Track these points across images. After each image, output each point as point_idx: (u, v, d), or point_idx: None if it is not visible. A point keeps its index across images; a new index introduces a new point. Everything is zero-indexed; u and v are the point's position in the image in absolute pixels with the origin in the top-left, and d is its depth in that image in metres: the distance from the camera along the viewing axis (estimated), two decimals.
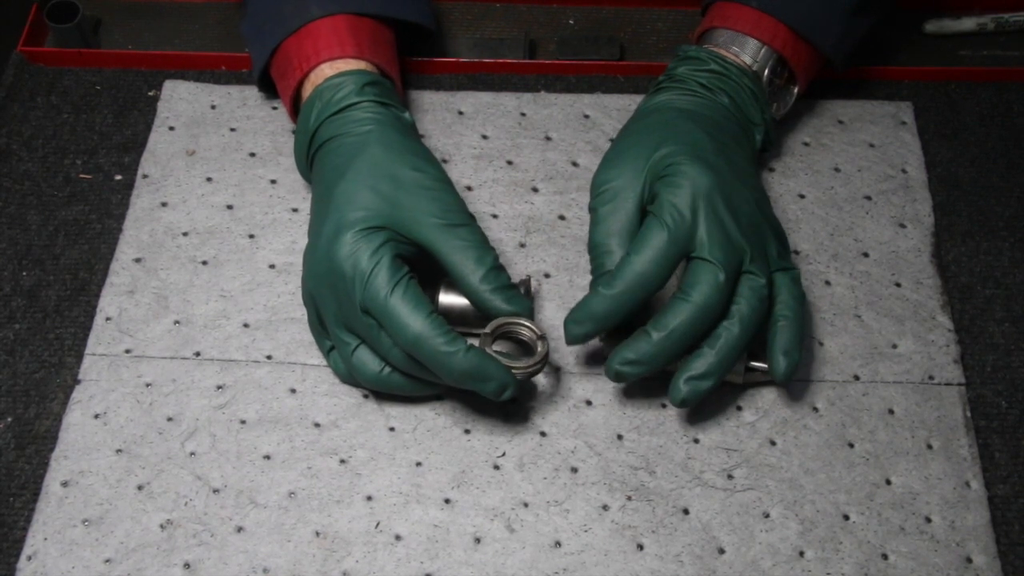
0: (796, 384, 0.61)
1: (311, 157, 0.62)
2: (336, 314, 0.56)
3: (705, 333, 0.56)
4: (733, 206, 0.56)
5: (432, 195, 0.57)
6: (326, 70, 0.62)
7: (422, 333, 0.52)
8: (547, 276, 0.65)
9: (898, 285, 0.65)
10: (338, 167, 0.58)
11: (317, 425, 0.59)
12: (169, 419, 0.59)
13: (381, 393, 0.60)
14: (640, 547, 0.56)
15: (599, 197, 0.59)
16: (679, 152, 0.58)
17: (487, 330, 0.56)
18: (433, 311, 0.53)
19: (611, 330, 0.57)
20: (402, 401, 0.60)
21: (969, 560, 0.56)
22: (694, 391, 0.55)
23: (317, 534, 0.56)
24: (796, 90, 0.67)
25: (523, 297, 0.57)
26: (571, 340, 0.57)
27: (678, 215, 0.55)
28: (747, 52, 0.64)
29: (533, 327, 0.56)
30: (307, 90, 0.63)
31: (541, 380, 0.61)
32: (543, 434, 0.59)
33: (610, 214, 0.58)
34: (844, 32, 0.66)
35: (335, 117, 0.60)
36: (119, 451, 0.58)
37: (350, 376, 0.59)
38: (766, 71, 0.64)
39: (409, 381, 0.57)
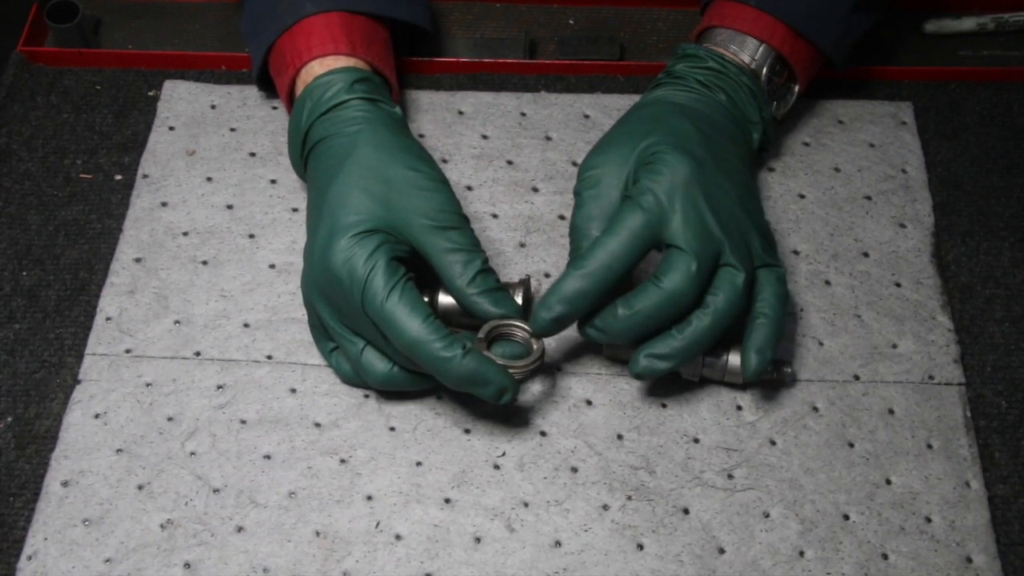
0: (796, 384, 0.61)
1: (305, 157, 0.62)
2: (339, 318, 0.56)
3: (675, 319, 0.56)
4: (713, 198, 0.56)
5: (424, 196, 0.57)
6: (316, 68, 0.62)
7: (419, 338, 0.52)
8: (547, 276, 0.65)
9: (898, 285, 0.65)
10: (329, 170, 0.58)
11: (317, 425, 0.59)
12: (169, 419, 0.59)
13: (381, 393, 0.60)
14: (640, 547, 0.56)
15: (583, 182, 0.60)
16: (664, 142, 0.58)
17: (480, 335, 0.56)
18: (430, 315, 0.53)
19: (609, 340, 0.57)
20: (402, 401, 0.60)
21: (969, 560, 0.56)
22: (650, 368, 0.56)
23: (317, 534, 0.56)
24: (796, 89, 0.67)
25: (511, 299, 0.57)
26: (540, 327, 0.55)
27: (654, 200, 0.55)
28: (746, 51, 0.64)
29: (525, 327, 0.57)
30: (298, 88, 0.63)
31: (541, 380, 0.61)
32: (543, 434, 0.59)
33: (592, 199, 0.59)
34: (843, 30, 0.66)
35: (325, 117, 0.60)
36: (119, 451, 0.58)
37: (352, 376, 0.59)
38: (764, 69, 0.64)
39: (417, 377, 0.57)
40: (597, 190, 0.59)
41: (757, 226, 0.58)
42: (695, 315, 0.56)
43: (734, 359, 0.58)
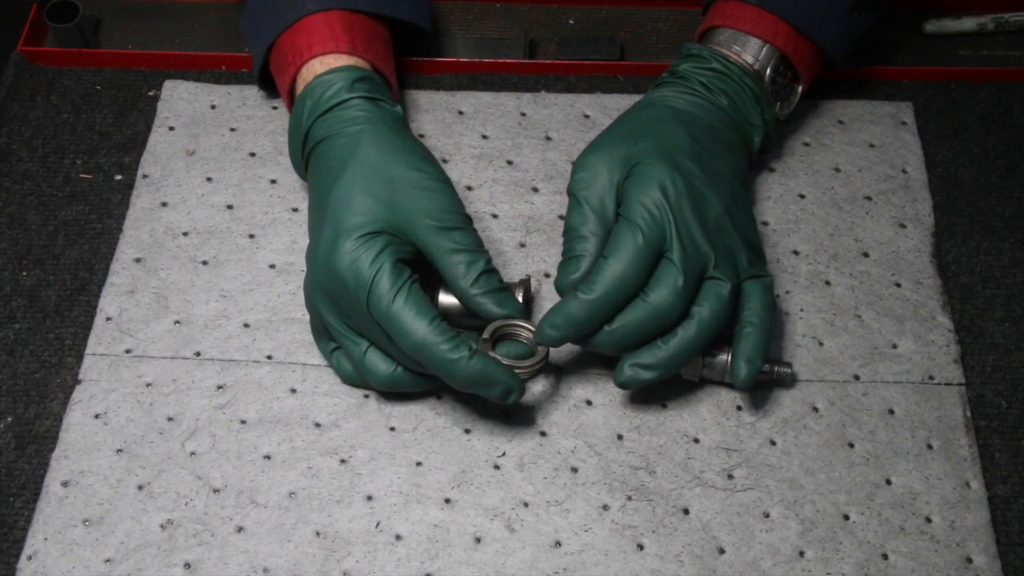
0: (796, 384, 0.61)
1: (306, 157, 0.62)
2: (342, 320, 0.56)
3: (661, 331, 0.56)
4: (699, 210, 0.57)
5: (428, 196, 0.57)
6: (317, 66, 0.62)
7: (425, 340, 0.53)
8: (547, 276, 0.65)
9: (898, 285, 0.65)
10: (332, 170, 0.58)
11: (317, 425, 0.59)
12: (169, 419, 0.59)
13: (382, 393, 0.60)
14: (640, 547, 0.56)
15: (575, 182, 0.60)
16: (652, 152, 0.58)
17: (485, 336, 0.56)
18: (436, 317, 0.53)
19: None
20: (402, 401, 0.60)
21: (969, 560, 0.56)
22: (634, 378, 0.56)
23: (317, 534, 0.56)
24: (800, 89, 0.67)
25: (515, 299, 0.57)
26: (545, 343, 0.56)
27: (649, 216, 0.56)
28: (749, 51, 0.64)
29: (529, 327, 0.57)
30: (299, 87, 0.63)
31: (541, 380, 0.61)
32: (543, 434, 0.59)
33: (584, 200, 0.59)
34: (844, 29, 0.66)
35: (326, 116, 0.60)
36: (119, 451, 0.58)
37: (353, 376, 0.59)
38: (768, 70, 0.64)
39: (419, 378, 0.57)
40: (589, 192, 0.59)
41: (744, 238, 0.58)
42: (680, 326, 0.56)
43: None
